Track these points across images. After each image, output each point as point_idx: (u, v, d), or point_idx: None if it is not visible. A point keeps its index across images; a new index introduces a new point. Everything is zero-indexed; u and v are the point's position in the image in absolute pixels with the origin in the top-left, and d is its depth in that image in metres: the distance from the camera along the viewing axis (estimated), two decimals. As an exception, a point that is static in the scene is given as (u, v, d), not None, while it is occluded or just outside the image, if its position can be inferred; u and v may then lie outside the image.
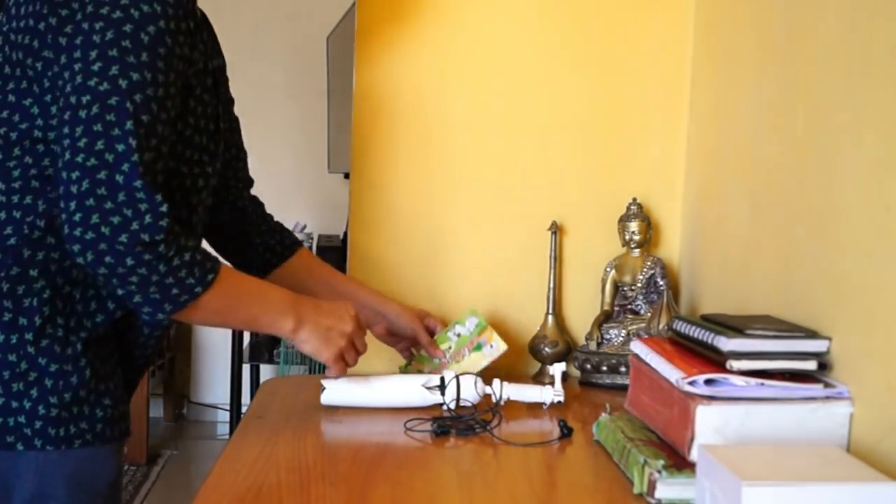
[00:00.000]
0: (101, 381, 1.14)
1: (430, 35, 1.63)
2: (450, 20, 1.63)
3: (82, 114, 1.02)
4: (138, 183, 1.02)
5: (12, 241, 1.09)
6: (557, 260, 1.62)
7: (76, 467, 1.12)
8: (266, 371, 4.06)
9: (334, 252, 3.75)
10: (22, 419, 1.08)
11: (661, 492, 0.99)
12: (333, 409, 1.36)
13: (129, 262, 1.02)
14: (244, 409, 1.71)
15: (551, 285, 1.61)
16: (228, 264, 1.21)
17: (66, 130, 1.02)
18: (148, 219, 1.02)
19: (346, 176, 2.85)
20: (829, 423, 1.01)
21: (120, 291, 1.06)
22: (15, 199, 1.09)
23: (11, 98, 1.09)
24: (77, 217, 1.01)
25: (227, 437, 3.76)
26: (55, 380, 1.09)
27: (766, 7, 1.30)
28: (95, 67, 1.02)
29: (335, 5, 3.74)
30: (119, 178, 1.01)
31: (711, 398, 1.00)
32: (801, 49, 1.17)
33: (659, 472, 0.99)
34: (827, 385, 1.02)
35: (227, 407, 3.92)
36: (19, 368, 1.09)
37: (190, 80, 1.14)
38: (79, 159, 1.01)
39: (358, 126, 1.64)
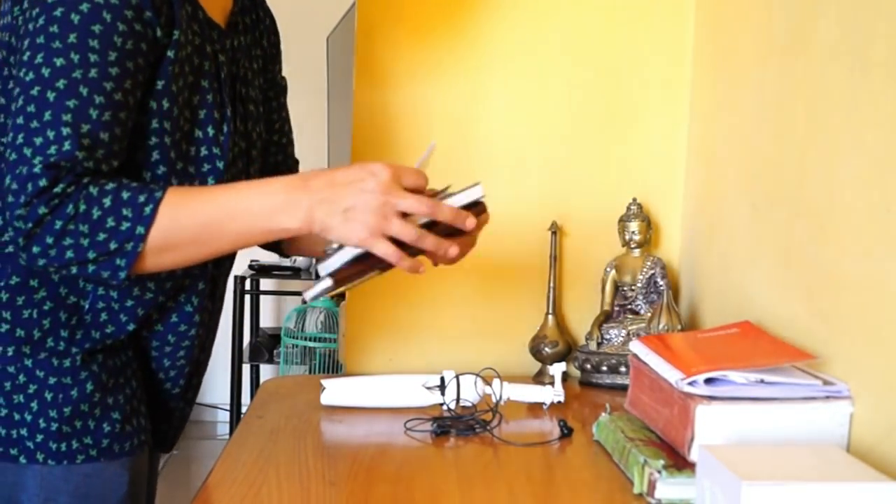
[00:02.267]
0: (109, 394, 1.11)
1: (429, 35, 1.63)
2: (449, 21, 1.63)
3: (13, 107, 0.98)
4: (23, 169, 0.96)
5: (11, 248, 1.06)
6: (557, 260, 1.62)
7: (82, 483, 1.08)
8: (266, 371, 4.07)
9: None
10: (24, 432, 1.06)
11: (661, 492, 0.99)
12: (333, 409, 1.36)
13: (49, 239, 0.96)
14: (244, 409, 1.71)
15: (551, 285, 1.61)
16: (181, 189, 1.04)
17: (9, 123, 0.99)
18: (22, 188, 0.96)
19: (346, 176, 2.85)
20: (829, 423, 1.01)
21: (74, 271, 0.99)
22: None
23: (2, 100, 1.06)
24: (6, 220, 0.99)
25: (227, 437, 3.76)
26: (54, 393, 1.07)
27: (766, 7, 1.30)
28: (24, 57, 0.98)
29: (335, 5, 3.74)
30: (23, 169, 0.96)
31: (711, 398, 1.00)
32: (801, 49, 1.17)
33: (659, 472, 0.99)
34: (826, 383, 1.02)
35: (227, 407, 3.92)
36: (18, 381, 1.06)
37: (171, 68, 1.06)
38: (7, 153, 0.97)
39: (358, 126, 1.64)
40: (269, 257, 4.18)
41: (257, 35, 1.30)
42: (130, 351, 1.16)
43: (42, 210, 0.95)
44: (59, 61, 0.96)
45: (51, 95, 0.96)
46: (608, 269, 1.60)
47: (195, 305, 1.19)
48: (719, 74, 1.50)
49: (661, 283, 1.55)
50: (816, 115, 1.12)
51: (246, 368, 3.82)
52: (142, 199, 0.98)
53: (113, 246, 0.97)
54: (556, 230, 1.61)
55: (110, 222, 0.97)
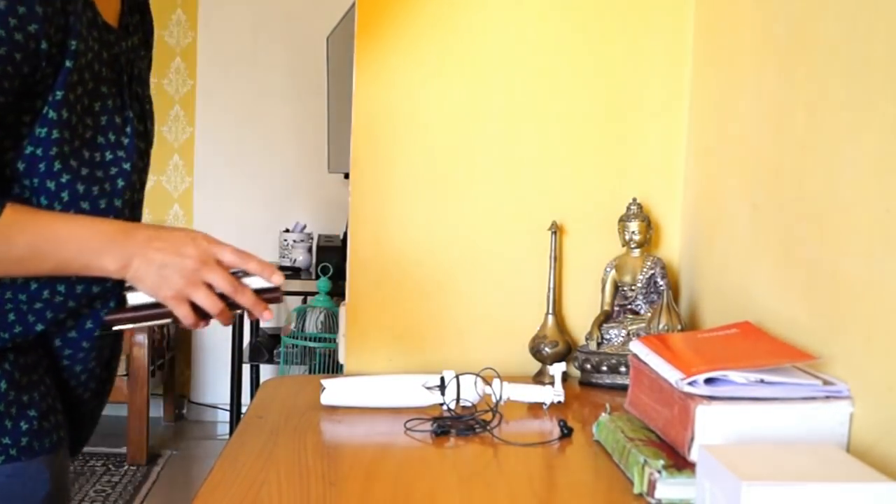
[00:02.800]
0: (24, 391, 1.08)
1: (429, 35, 1.63)
2: (449, 20, 1.63)
3: None
4: None
5: None
6: (557, 260, 1.62)
7: (4, 484, 1.06)
8: (266, 371, 4.07)
9: (334, 252, 3.75)
10: None
11: (661, 492, 0.99)
12: (333, 409, 1.36)
13: None
14: (244, 409, 1.71)
15: (551, 285, 1.61)
16: (21, 208, 1.05)
17: None
18: None
19: (346, 176, 2.85)
20: (830, 423, 1.01)
21: None
22: None
23: None
24: None
25: (227, 437, 3.76)
26: None
27: (766, 7, 1.30)
28: None
29: (335, 5, 3.75)
30: None
31: (711, 398, 1.00)
32: (801, 49, 1.17)
33: (659, 472, 0.99)
34: (826, 383, 1.02)
35: (227, 407, 3.92)
36: None
37: (69, 77, 1.07)
38: None
39: (358, 126, 1.64)
40: (270, 257, 4.18)
41: (143, 34, 1.29)
42: (40, 349, 1.14)
43: None
44: None
45: None
46: (608, 269, 1.60)
47: None
48: (719, 74, 1.50)
49: (661, 283, 1.55)
50: (816, 115, 1.12)
51: (246, 368, 3.82)
52: None
53: None
54: (556, 230, 1.61)
55: None
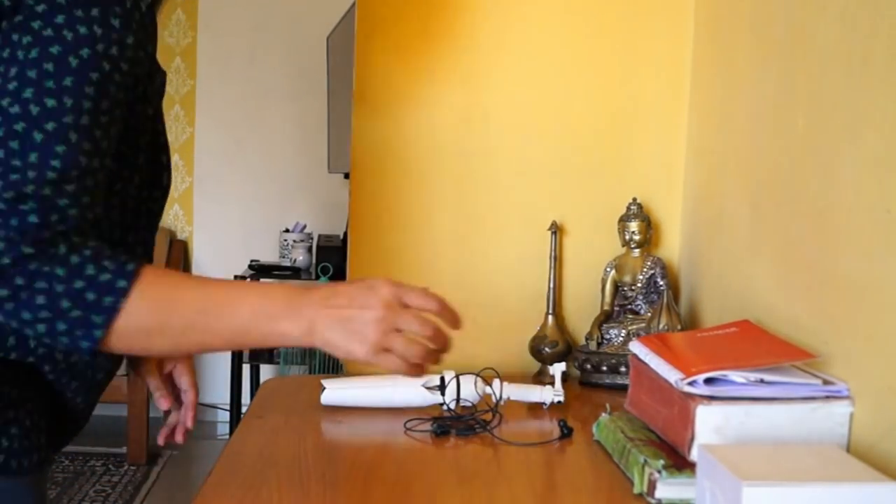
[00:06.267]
0: (9, 408, 1.02)
1: (429, 35, 1.63)
2: (449, 20, 1.63)
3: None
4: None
5: None
6: (557, 260, 1.62)
7: None
8: (266, 371, 4.07)
9: (334, 252, 3.75)
10: None
11: (661, 492, 0.99)
12: (333, 409, 1.36)
13: (20, 281, 0.88)
14: (244, 409, 1.71)
15: (551, 285, 1.61)
16: (163, 270, 0.99)
17: None
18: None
19: (346, 176, 2.85)
20: (830, 423, 1.01)
21: (40, 329, 0.90)
22: None
23: None
24: None
25: (227, 437, 3.76)
26: None
27: (766, 7, 1.30)
28: (10, 86, 0.91)
29: (335, 5, 3.74)
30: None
31: (711, 398, 1.00)
32: (801, 49, 1.17)
33: (659, 472, 0.99)
34: (826, 383, 1.02)
35: (227, 407, 3.92)
36: None
37: (145, 93, 1.05)
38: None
39: (358, 126, 1.64)
40: (270, 257, 4.18)
41: None
42: (27, 367, 1.06)
43: (26, 251, 0.88)
44: (50, 102, 0.91)
45: (38, 136, 0.90)
46: (608, 269, 1.60)
47: None
48: (719, 74, 1.50)
49: (661, 283, 1.55)
50: (816, 115, 1.12)
51: (246, 368, 3.81)
52: (123, 257, 0.93)
53: (90, 297, 0.90)
54: (556, 230, 1.61)
55: (90, 270, 0.91)
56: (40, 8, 0.92)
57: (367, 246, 1.65)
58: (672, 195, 1.64)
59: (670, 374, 1.06)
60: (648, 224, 1.58)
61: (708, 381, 1.02)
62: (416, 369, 0.99)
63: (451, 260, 1.65)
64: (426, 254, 1.65)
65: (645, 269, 1.57)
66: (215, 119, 4.42)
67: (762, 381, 1.01)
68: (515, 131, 1.64)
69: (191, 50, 4.41)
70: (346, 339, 0.95)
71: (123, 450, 3.80)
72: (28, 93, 0.91)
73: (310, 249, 3.96)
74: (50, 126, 0.91)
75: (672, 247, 1.65)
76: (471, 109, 1.64)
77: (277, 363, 3.74)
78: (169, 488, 3.56)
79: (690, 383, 1.02)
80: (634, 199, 1.59)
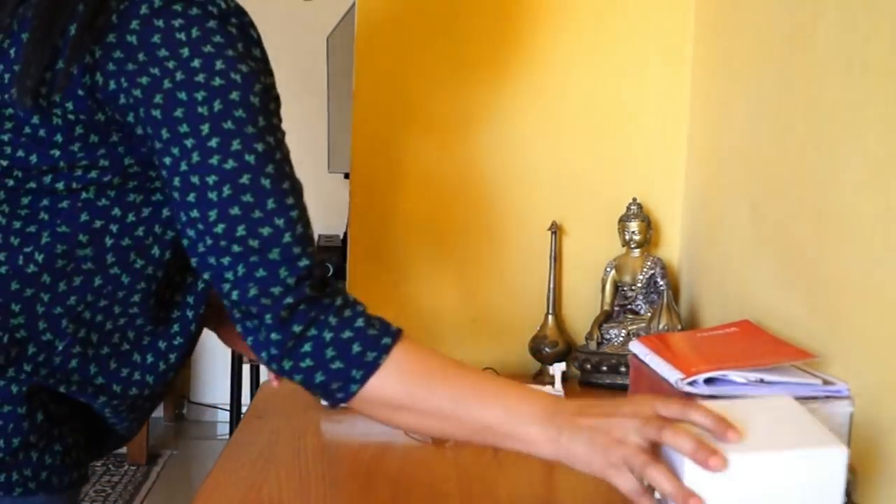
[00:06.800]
0: (55, 425, 1.02)
1: (429, 35, 1.63)
2: (449, 20, 1.63)
3: (212, 196, 0.90)
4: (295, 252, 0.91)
5: (2, 269, 0.98)
6: (557, 260, 1.62)
7: None
8: (266, 371, 4.06)
9: (334, 252, 3.75)
10: None
11: (661, 492, 0.99)
12: (333, 409, 1.36)
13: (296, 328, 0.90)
14: (244, 409, 1.71)
15: (551, 285, 1.61)
16: (420, 347, 0.95)
17: (193, 214, 0.91)
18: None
19: (346, 176, 2.85)
20: (830, 423, 1.00)
21: (286, 366, 0.92)
22: (17, 224, 0.97)
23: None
24: (243, 311, 0.92)
25: (227, 437, 3.76)
26: (5, 422, 0.98)
27: (766, 7, 1.30)
28: (213, 143, 0.91)
29: (335, 5, 3.74)
30: (272, 256, 0.90)
31: (711, 398, 1.00)
32: (801, 49, 1.17)
33: (659, 471, 0.99)
34: (826, 383, 1.02)
35: (227, 407, 3.92)
36: None
37: None
38: (222, 244, 0.92)
39: (358, 126, 1.64)
40: (269, 257, 4.18)
41: None
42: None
43: (309, 293, 0.90)
44: (260, 146, 0.92)
45: (266, 182, 0.91)
46: (608, 269, 1.60)
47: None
48: (719, 74, 1.50)
49: (661, 283, 1.55)
50: (816, 115, 1.12)
51: (246, 368, 3.81)
52: (387, 321, 0.94)
53: (356, 349, 0.90)
54: (556, 230, 1.61)
55: (359, 323, 0.92)
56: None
57: (367, 246, 1.65)
58: (672, 195, 1.64)
59: (670, 374, 1.06)
60: (648, 224, 1.58)
61: (708, 381, 1.02)
62: (647, 498, 0.87)
63: (451, 260, 1.65)
64: (426, 254, 1.65)
65: (645, 269, 1.57)
66: (215, 119, 4.41)
67: (762, 381, 1.01)
68: (516, 131, 1.64)
69: (191, 50, 4.40)
70: (588, 450, 0.87)
71: (123, 450, 3.80)
72: (236, 144, 0.91)
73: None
74: (270, 168, 0.92)
75: (672, 247, 1.65)
76: (471, 109, 1.64)
77: (277, 363, 3.74)
78: (169, 488, 3.56)
79: (690, 383, 1.02)
80: (634, 199, 1.59)
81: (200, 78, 0.90)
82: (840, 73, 1.06)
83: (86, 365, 1.02)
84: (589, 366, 1.54)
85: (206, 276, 0.93)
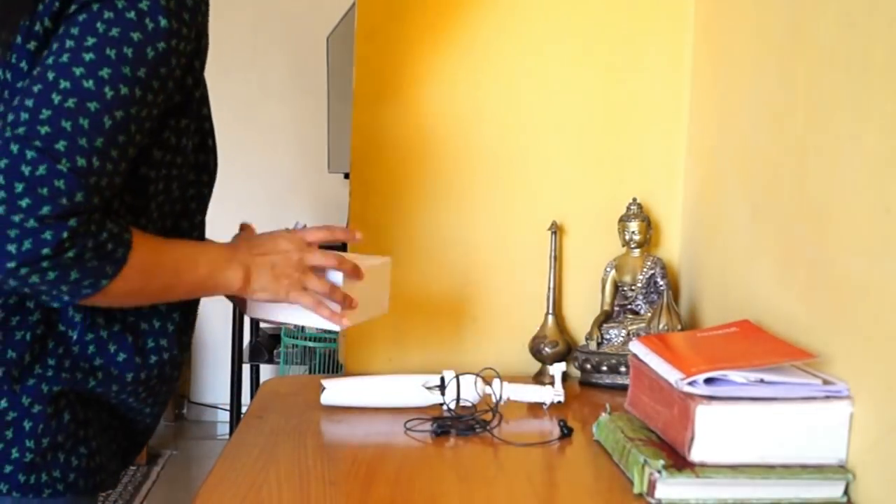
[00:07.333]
0: (81, 427, 1.06)
1: (429, 35, 1.63)
2: (449, 20, 1.63)
3: (55, 97, 0.91)
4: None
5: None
6: (557, 260, 1.62)
7: None
8: (266, 371, 4.07)
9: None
10: None
11: (661, 492, 0.99)
12: (333, 409, 1.36)
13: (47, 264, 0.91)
14: (244, 409, 1.71)
15: (551, 285, 1.61)
16: (144, 235, 1.02)
17: (28, 102, 0.92)
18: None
19: (346, 176, 2.85)
20: (830, 422, 1.01)
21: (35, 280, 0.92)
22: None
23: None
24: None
25: (227, 437, 3.76)
26: (35, 422, 1.01)
27: (766, 7, 1.30)
28: (87, 57, 0.93)
29: (335, 5, 3.74)
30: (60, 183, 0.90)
31: (711, 398, 1.00)
32: (801, 49, 1.17)
33: (659, 472, 0.99)
34: (826, 383, 1.02)
35: (227, 407, 3.92)
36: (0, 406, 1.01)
37: (201, 91, 1.09)
38: (36, 143, 0.90)
39: (358, 126, 1.64)
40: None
41: None
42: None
43: (65, 235, 0.90)
44: (124, 89, 0.94)
45: (84, 121, 0.92)
46: (608, 269, 1.60)
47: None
48: (719, 74, 1.50)
49: (661, 283, 1.55)
50: (816, 115, 1.12)
51: (246, 368, 3.81)
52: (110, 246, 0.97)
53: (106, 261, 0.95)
54: (556, 230, 1.61)
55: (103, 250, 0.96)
56: None
57: (367, 246, 1.65)
58: (672, 195, 1.64)
59: (670, 374, 1.06)
60: (648, 224, 1.58)
61: (708, 381, 1.02)
62: (333, 313, 1.15)
63: (451, 260, 1.65)
64: (426, 253, 1.65)
65: (645, 269, 1.57)
66: (215, 119, 4.38)
67: (762, 381, 1.01)
68: (516, 131, 1.64)
69: (191, 50, 4.40)
70: (272, 282, 1.11)
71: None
72: (105, 71, 0.93)
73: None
74: (119, 114, 0.94)
75: (672, 247, 1.65)
76: (471, 109, 1.64)
77: (277, 363, 3.74)
78: (169, 488, 3.56)
79: (690, 383, 1.02)
80: (634, 199, 1.59)
81: (120, 4, 0.94)
82: (840, 72, 1.06)
83: (104, 347, 1.06)
84: (589, 366, 1.54)
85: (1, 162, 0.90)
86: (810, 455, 1.01)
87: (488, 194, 1.65)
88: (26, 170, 0.89)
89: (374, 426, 1.30)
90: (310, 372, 3.52)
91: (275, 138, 4.40)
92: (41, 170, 0.89)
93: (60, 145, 0.90)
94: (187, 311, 1.16)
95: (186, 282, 1.07)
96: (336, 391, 1.36)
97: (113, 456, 1.13)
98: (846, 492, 1.00)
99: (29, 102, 0.92)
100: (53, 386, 1.02)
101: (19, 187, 0.88)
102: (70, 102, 0.91)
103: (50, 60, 0.93)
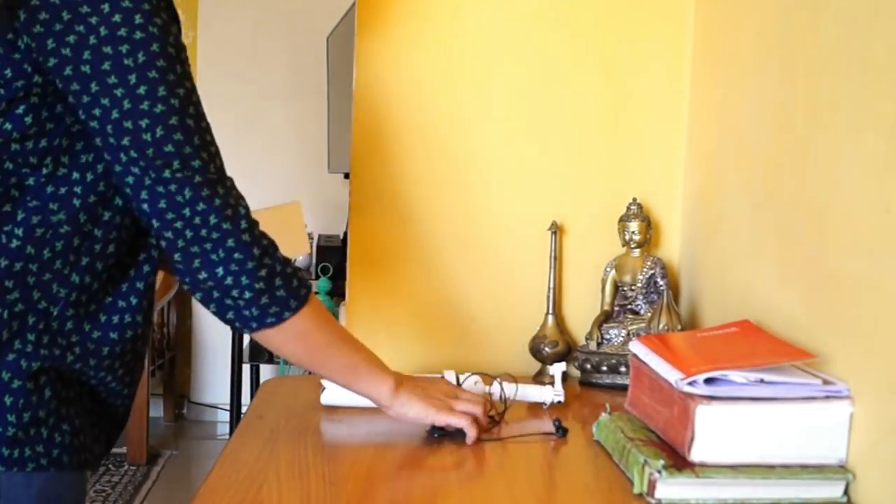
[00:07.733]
0: (63, 404, 1.06)
1: (429, 35, 1.63)
2: (449, 20, 1.63)
3: (146, 137, 0.99)
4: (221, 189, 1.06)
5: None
6: (557, 260, 1.62)
7: (42, 489, 1.05)
8: (266, 371, 4.07)
9: (334, 252, 3.75)
10: None
11: (661, 492, 0.99)
12: (333, 409, 1.36)
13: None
14: (244, 409, 1.71)
15: (551, 285, 1.61)
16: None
17: (132, 154, 1.00)
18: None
19: (346, 176, 2.85)
20: (830, 422, 1.01)
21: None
22: None
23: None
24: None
25: (227, 437, 3.76)
26: (15, 397, 1.02)
27: (766, 7, 1.30)
28: (141, 91, 0.99)
29: (335, 5, 3.74)
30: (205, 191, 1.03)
31: (711, 398, 1.00)
32: (801, 49, 1.17)
33: (659, 472, 0.99)
34: (826, 383, 1.02)
35: (227, 407, 3.92)
36: None
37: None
38: (160, 189, 1.00)
39: (358, 126, 1.64)
40: (269, 257, 4.17)
41: None
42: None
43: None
44: (181, 91, 1.02)
45: (191, 122, 1.03)
46: (608, 269, 1.60)
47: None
48: (719, 74, 1.50)
49: (661, 283, 1.55)
50: (816, 115, 1.12)
51: (246, 368, 3.81)
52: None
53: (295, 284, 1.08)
54: (556, 230, 1.61)
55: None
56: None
57: (366, 246, 1.65)
58: (672, 195, 1.64)
59: (670, 374, 1.06)
60: (648, 224, 1.58)
61: (708, 381, 1.02)
62: (476, 427, 1.22)
63: (451, 260, 1.65)
64: (426, 254, 1.65)
65: (645, 269, 1.57)
66: (215, 119, 4.35)
67: (762, 381, 1.01)
68: (516, 131, 1.64)
69: (191, 49, 4.40)
70: (423, 401, 1.22)
71: (123, 450, 3.80)
72: (162, 90, 1.00)
73: (309, 249, 3.96)
74: (192, 110, 1.04)
75: (672, 247, 1.65)
76: (471, 109, 1.64)
77: (277, 363, 3.74)
78: (169, 488, 3.56)
79: (690, 383, 1.02)
80: (634, 199, 1.59)
81: (123, 32, 0.97)
82: (840, 72, 1.06)
83: (80, 324, 1.07)
84: (589, 366, 1.54)
85: (162, 203, 1.01)
86: (810, 455, 1.01)
87: (488, 194, 1.65)
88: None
89: (374, 426, 1.30)
90: (310, 372, 3.52)
91: (275, 138, 4.40)
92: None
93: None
94: (151, 291, 1.17)
95: (344, 353, 1.18)
96: (336, 391, 1.36)
97: (96, 440, 1.13)
98: (846, 492, 1.00)
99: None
100: (33, 362, 1.03)
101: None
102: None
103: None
